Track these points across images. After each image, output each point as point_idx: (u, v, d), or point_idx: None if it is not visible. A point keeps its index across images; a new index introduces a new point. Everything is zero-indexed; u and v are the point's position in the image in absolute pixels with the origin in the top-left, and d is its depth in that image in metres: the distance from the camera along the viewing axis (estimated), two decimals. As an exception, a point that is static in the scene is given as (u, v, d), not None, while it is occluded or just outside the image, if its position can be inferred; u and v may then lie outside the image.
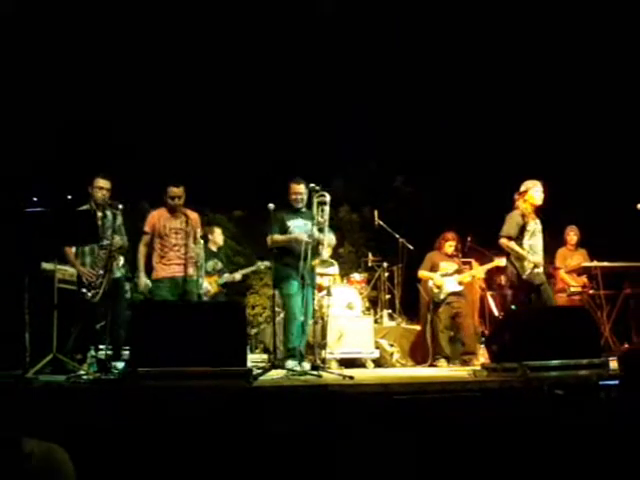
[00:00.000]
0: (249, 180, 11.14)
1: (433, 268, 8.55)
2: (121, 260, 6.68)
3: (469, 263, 9.01)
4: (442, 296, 8.35)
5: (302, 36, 11.16)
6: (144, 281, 6.67)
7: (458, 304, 8.36)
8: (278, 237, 6.68)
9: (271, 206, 6.41)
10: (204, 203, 11.21)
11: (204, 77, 11.24)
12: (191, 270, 6.74)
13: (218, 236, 8.62)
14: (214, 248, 8.48)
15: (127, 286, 7.13)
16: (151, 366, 4.63)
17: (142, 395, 4.36)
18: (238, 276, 8.59)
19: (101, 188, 6.38)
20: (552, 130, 11.01)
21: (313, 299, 6.71)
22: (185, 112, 11.16)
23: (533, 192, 7.03)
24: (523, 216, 7.01)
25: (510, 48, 10.94)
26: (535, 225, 7.07)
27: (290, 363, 6.24)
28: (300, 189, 6.76)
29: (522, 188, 7.11)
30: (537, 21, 10.65)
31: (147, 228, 6.79)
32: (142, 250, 6.73)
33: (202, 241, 7.01)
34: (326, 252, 6.40)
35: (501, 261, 8.61)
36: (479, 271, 8.78)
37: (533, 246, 7.01)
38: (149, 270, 6.82)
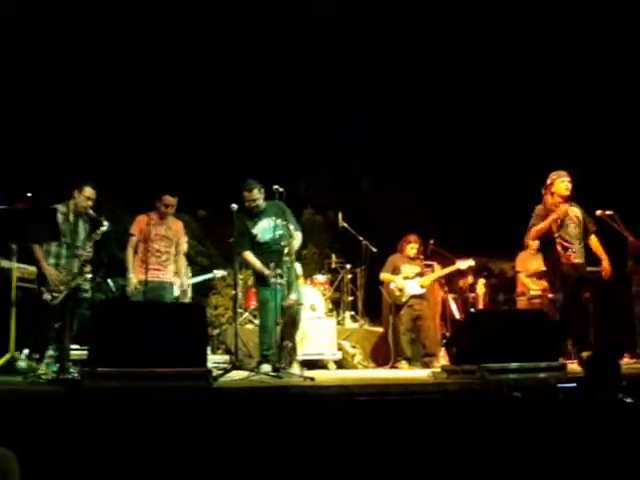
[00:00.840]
0: (214, 179, 11.07)
1: (395, 271, 8.57)
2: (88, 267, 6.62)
3: (431, 266, 9.06)
4: (404, 299, 8.39)
5: (283, 37, 11.18)
6: (134, 282, 6.71)
7: (419, 307, 8.41)
8: (249, 258, 6.71)
9: (234, 207, 6.40)
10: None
11: (172, 74, 11.16)
12: (168, 277, 6.88)
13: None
14: None
15: (87, 285, 7.07)
16: (111, 366, 4.58)
17: (101, 395, 4.31)
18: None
19: (88, 198, 6.34)
20: (518, 139, 11.16)
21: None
22: (149, 110, 11.05)
23: (559, 183, 6.80)
24: (547, 210, 6.79)
25: (486, 62, 11.09)
26: (564, 215, 6.80)
27: (265, 367, 6.21)
28: (253, 196, 6.65)
29: (547, 181, 6.89)
30: (522, 33, 10.76)
31: (135, 231, 6.85)
32: (131, 252, 6.82)
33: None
34: (295, 294, 6.47)
35: (462, 264, 8.69)
36: (440, 274, 8.84)
37: (562, 237, 6.76)
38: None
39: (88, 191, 6.33)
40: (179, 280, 6.97)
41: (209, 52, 11.16)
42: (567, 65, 10.80)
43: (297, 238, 6.67)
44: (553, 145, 10.62)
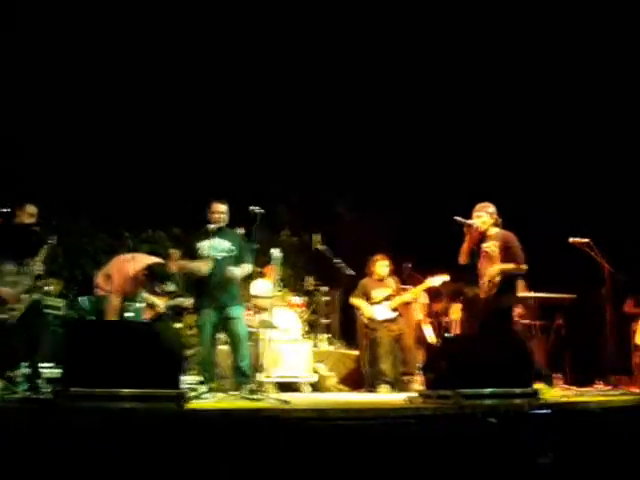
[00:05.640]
0: (189, 198, 11.01)
1: (365, 295, 8.49)
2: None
3: (406, 290, 9.00)
4: (374, 325, 8.31)
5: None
6: None
7: (397, 326, 8.26)
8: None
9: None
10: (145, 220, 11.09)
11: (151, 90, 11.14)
12: None
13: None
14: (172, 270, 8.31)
15: (60, 303, 6.98)
16: (83, 386, 4.53)
17: (73, 416, 4.25)
18: (187, 302, 8.44)
19: (32, 215, 6.37)
20: (492, 159, 11.24)
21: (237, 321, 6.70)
22: (125, 128, 11.00)
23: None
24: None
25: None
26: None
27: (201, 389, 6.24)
28: (221, 209, 6.71)
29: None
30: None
31: None
32: None
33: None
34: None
35: (434, 281, 8.51)
36: (412, 294, 8.68)
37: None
38: None
39: (30, 208, 6.36)
40: None
41: (172, 73, 11.16)
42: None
43: (245, 269, 6.73)
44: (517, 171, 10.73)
